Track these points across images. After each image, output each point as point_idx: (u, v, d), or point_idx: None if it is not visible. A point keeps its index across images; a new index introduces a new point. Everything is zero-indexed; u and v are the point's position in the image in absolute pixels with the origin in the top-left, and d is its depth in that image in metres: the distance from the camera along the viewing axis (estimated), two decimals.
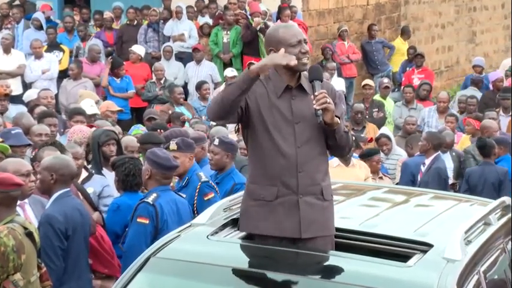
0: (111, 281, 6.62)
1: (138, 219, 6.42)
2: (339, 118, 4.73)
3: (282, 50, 4.65)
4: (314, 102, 4.61)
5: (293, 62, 4.61)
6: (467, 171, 10.56)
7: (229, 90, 4.60)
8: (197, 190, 7.33)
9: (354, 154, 10.64)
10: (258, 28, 15.27)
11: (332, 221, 4.80)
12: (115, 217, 6.96)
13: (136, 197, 6.87)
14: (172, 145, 7.56)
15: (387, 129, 12.61)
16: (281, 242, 4.74)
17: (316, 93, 4.63)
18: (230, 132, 11.15)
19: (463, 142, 12.04)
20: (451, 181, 10.97)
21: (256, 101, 4.72)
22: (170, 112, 12.39)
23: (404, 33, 18.61)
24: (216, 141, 7.86)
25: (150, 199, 6.47)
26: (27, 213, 6.40)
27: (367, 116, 13.68)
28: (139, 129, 10.23)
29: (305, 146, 4.71)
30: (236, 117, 4.71)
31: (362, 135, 12.36)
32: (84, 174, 7.90)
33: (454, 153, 11.31)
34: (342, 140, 4.78)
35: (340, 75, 15.92)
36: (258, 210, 4.74)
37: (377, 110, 14.02)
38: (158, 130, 9.94)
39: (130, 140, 8.84)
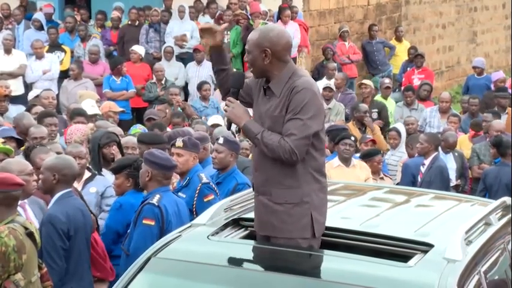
0: (103, 284, 6.62)
1: (144, 221, 6.39)
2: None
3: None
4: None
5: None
6: (484, 171, 10.53)
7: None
8: (197, 191, 7.33)
9: (355, 154, 10.65)
10: None
11: (291, 225, 4.73)
12: (117, 216, 6.94)
13: (140, 196, 6.85)
14: (179, 142, 7.56)
15: (401, 125, 12.57)
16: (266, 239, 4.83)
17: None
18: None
19: (461, 142, 12.02)
20: (453, 182, 10.97)
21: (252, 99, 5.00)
22: (167, 111, 12.40)
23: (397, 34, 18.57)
24: (221, 140, 7.87)
25: (154, 200, 6.46)
26: (28, 213, 6.42)
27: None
28: (137, 129, 10.20)
29: None
30: None
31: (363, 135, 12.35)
32: (87, 174, 7.90)
33: (456, 154, 11.31)
34: (256, 144, 4.80)
35: None
36: None
37: (376, 111, 13.95)
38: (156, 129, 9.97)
39: (129, 138, 8.88)
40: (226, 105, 4.87)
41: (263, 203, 4.81)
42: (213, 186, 7.48)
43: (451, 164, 11.01)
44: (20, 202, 6.26)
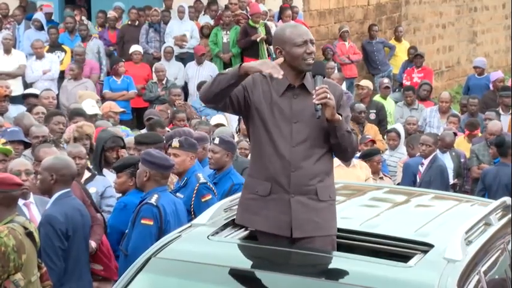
0: (108, 283, 6.62)
1: (143, 221, 6.38)
2: (341, 116, 4.71)
3: (277, 60, 4.70)
4: (314, 96, 4.60)
5: (277, 75, 4.59)
6: (483, 171, 10.51)
7: (219, 79, 4.67)
8: (195, 191, 7.31)
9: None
10: (258, 40, 15.20)
11: (331, 222, 4.77)
12: (121, 216, 6.91)
13: (141, 195, 6.84)
14: (175, 142, 7.55)
15: (400, 126, 12.58)
16: (280, 242, 4.75)
17: (316, 88, 4.62)
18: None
19: (458, 143, 12.02)
20: (451, 181, 10.98)
21: (259, 98, 4.76)
22: (169, 112, 12.39)
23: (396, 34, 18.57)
24: (217, 140, 7.86)
25: (153, 200, 6.44)
26: (33, 213, 6.42)
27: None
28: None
29: (301, 145, 4.71)
30: (225, 106, 4.77)
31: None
32: (86, 174, 7.89)
33: (453, 153, 11.32)
34: (344, 139, 4.71)
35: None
36: (252, 204, 4.79)
37: (374, 111, 13.93)
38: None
39: (131, 139, 8.86)
40: (326, 92, 4.60)
41: (302, 202, 4.72)
42: (211, 186, 7.47)
43: (448, 163, 11.03)
44: (25, 201, 6.29)
